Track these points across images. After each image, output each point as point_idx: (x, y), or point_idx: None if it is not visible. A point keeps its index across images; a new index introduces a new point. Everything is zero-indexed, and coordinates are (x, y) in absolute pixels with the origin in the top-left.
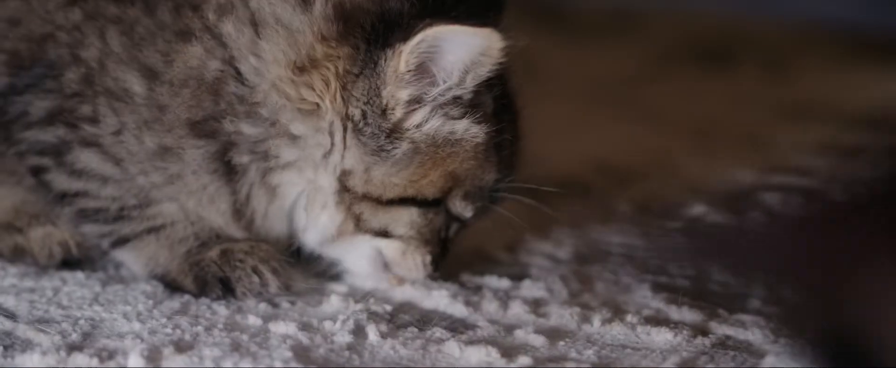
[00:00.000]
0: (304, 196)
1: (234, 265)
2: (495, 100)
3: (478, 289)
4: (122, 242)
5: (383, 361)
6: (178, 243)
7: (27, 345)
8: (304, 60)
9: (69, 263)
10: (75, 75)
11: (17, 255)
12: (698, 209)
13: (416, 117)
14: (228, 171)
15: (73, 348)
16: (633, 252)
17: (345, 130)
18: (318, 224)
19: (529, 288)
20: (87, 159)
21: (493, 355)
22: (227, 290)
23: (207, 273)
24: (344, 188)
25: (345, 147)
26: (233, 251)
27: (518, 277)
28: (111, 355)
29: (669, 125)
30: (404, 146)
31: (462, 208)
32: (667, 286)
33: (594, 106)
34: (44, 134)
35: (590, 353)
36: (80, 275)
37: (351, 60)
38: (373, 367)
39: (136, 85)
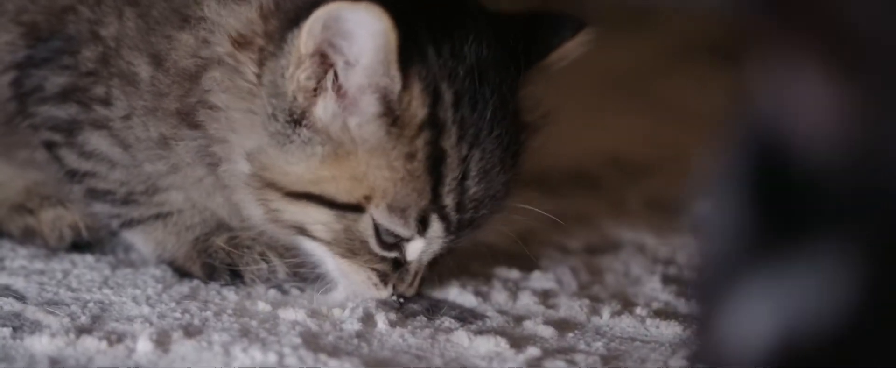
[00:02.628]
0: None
1: (242, 251)
2: (446, 106)
3: (487, 279)
4: (130, 225)
5: (392, 349)
6: (186, 230)
7: (36, 327)
8: (242, 36)
9: (79, 246)
10: (92, 54)
11: (28, 237)
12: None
13: (318, 106)
14: (214, 163)
15: (82, 330)
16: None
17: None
18: (252, 216)
19: (539, 279)
20: (96, 141)
21: (502, 345)
22: (235, 276)
23: (215, 260)
24: (254, 174)
25: (248, 122)
26: (241, 237)
27: (527, 268)
28: (120, 338)
29: (683, 120)
30: (304, 135)
31: (391, 223)
32: (677, 278)
33: (607, 99)
34: (57, 110)
35: (599, 345)
36: (89, 258)
37: (270, 38)
38: (381, 355)
39: (144, 70)
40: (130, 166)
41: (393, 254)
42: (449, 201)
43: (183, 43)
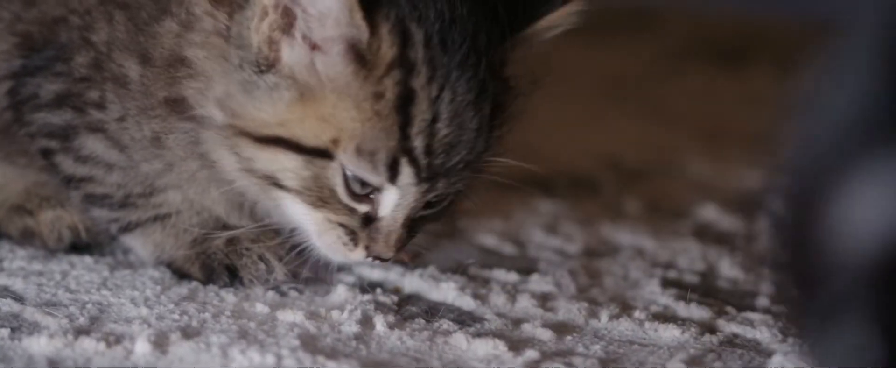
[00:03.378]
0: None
1: (241, 252)
2: (416, 47)
3: (486, 282)
4: (129, 228)
5: (390, 352)
6: (184, 232)
7: (34, 328)
8: None
9: (78, 247)
10: (85, 59)
11: (27, 238)
12: (709, 211)
13: (283, 54)
14: (205, 153)
15: (80, 331)
16: (643, 249)
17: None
18: (225, 168)
19: (538, 282)
20: (93, 144)
21: (501, 348)
22: (233, 277)
23: (214, 261)
24: (227, 124)
25: (221, 75)
26: (239, 239)
27: (526, 271)
28: (118, 339)
29: (681, 124)
30: (270, 81)
31: (360, 168)
32: (676, 282)
33: (606, 103)
34: (53, 117)
35: (597, 348)
36: (88, 259)
37: None
38: (379, 357)
39: (133, 71)
40: (127, 167)
41: (364, 207)
42: (418, 143)
43: (166, 31)
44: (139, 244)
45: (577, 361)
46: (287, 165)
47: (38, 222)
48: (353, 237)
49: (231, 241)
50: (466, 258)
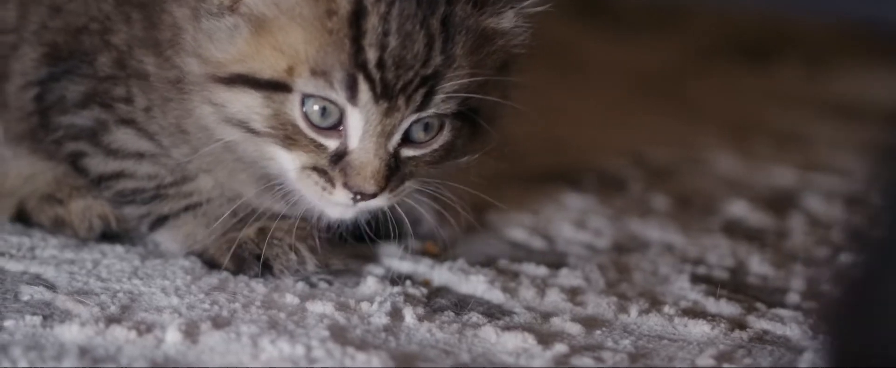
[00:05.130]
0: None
1: (272, 242)
2: None
3: (515, 276)
4: (160, 222)
5: (419, 344)
6: (216, 220)
7: (66, 316)
8: None
9: (109, 236)
10: (107, 59)
11: (58, 227)
12: (738, 207)
13: None
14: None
15: (111, 320)
16: (672, 245)
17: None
18: (209, 125)
19: (567, 276)
20: (123, 136)
21: (530, 341)
22: (264, 267)
23: (245, 251)
24: (199, 73)
25: (194, 29)
26: (270, 228)
27: (556, 265)
28: (149, 328)
29: (710, 121)
30: (229, 22)
31: (317, 88)
32: (705, 277)
33: (635, 99)
34: (79, 118)
35: (626, 343)
36: (119, 249)
37: None
38: (409, 350)
39: (151, 64)
40: (159, 154)
41: (332, 142)
42: (371, 55)
43: (169, 12)
44: (170, 239)
45: (606, 355)
46: (250, 103)
47: (68, 211)
48: (328, 178)
49: (262, 231)
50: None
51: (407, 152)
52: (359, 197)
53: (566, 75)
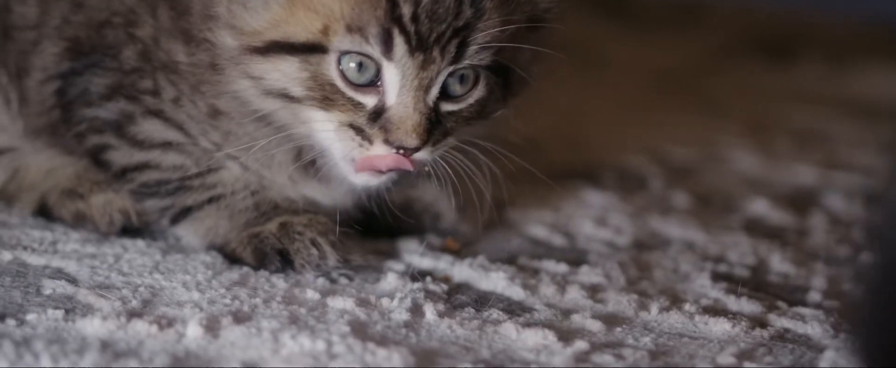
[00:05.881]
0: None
1: (293, 237)
2: None
3: (535, 272)
4: (183, 214)
5: (440, 340)
6: (238, 213)
7: (88, 310)
8: None
9: (130, 230)
10: (132, 53)
11: (79, 221)
12: (759, 206)
13: None
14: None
15: (132, 314)
16: (693, 243)
17: None
18: (249, 98)
19: (587, 274)
20: (150, 126)
21: (550, 338)
22: (285, 262)
23: (266, 245)
24: (236, 46)
25: (228, 1)
26: (292, 223)
27: (576, 262)
28: (170, 322)
29: (730, 119)
30: None
31: (353, 44)
32: (726, 275)
33: (654, 97)
34: (103, 110)
35: (647, 340)
36: (140, 243)
37: None
38: (429, 346)
39: (181, 55)
40: (186, 143)
41: (370, 99)
42: (406, 10)
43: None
44: (191, 232)
45: (626, 353)
46: (287, 70)
47: (89, 205)
48: (365, 135)
49: (283, 226)
50: (515, 246)
51: (446, 107)
52: (401, 151)
53: (587, 73)
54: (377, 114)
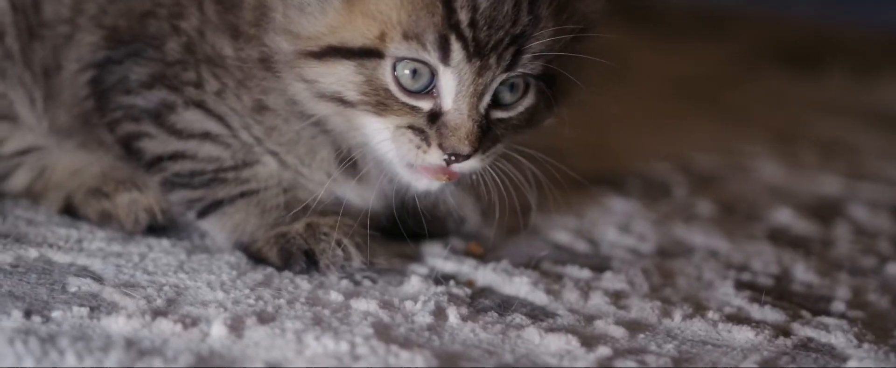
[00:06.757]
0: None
1: (319, 237)
2: None
3: (559, 278)
4: (212, 208)
5: (463, 343)
6: (268, 211)
7: (113, 308)
8: None
9: (154, 229)
10: (177, 45)
11: (104, 220)
12: (783, 215)
13: None
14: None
15: (157, 313)
16: (716, 251)
17: None
18: (303, 102)
19: (611, 280)
20: (191, 116)
21: (573, 343)
22: (310, 262)
23: (292, 245)
24: (291, 50)
25: (284, 7)
26: (318, 224)
27: (599, 268)
28: (194, 322)
29: (754, 128)
30: None
31: (410, 51)
32: (750, 284)
33: (679, 105)
34: (142, 99)
35: (670, 347)
36: (165, 242)
37: None
38: (452, 349)
39: (228, 49)
40: (225, 135)
41: (425, 104)
42: (463, 16)
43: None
44: (218, 227)
45: (649, 359)
46: (342, 74)
47: (114, 204)
48: (424, 136)
49: (310, 226)
50: (538, 251)
51: (496, 114)
52: (453, 158)
53: (612, 81)
54: (434, 117)
